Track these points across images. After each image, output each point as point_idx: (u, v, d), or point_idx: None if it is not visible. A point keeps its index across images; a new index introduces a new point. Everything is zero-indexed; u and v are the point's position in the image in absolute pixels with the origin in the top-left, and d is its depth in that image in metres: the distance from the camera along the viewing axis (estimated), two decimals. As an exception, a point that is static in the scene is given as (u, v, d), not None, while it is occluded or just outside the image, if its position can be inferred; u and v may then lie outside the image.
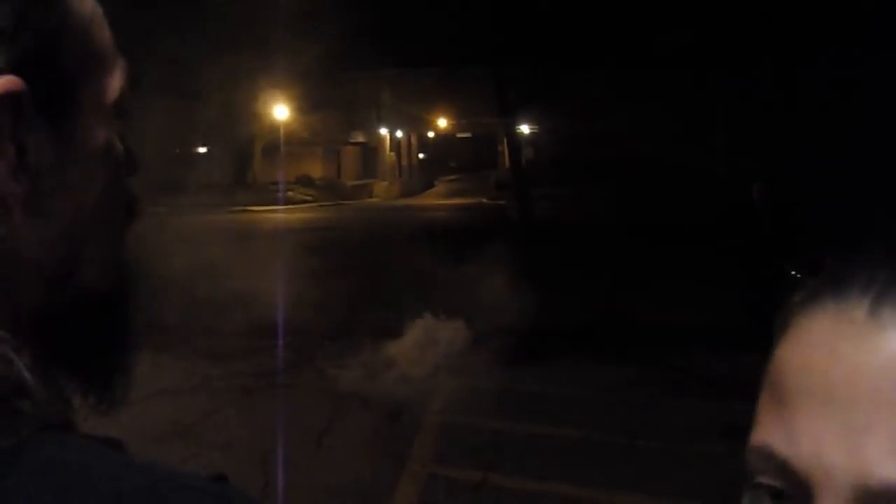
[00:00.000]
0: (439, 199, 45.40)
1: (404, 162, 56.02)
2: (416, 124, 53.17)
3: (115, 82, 0.69)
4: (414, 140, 58.87)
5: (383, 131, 49.94)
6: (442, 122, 53.34)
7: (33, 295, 0.63)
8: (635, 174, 25.16)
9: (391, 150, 52.17)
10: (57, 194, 0.63)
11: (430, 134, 58.36)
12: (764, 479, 0.52)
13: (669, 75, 25.45)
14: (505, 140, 29.78)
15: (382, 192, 47.58)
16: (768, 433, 0.53)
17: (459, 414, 7.16)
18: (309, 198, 42.32)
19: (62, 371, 0.66)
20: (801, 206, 10.12)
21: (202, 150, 44.91)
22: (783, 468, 0.51)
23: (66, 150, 0.63)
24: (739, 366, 8.15)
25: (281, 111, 39.78)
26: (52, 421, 0.59)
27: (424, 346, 8.92)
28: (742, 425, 0.59)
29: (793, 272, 8.33)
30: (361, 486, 5.83)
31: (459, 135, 59.12)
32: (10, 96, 0.60)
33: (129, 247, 0.75)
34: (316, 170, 47.36)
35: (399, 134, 52.98)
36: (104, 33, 0.69)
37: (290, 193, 40.96)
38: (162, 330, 10.44)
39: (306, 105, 40.29)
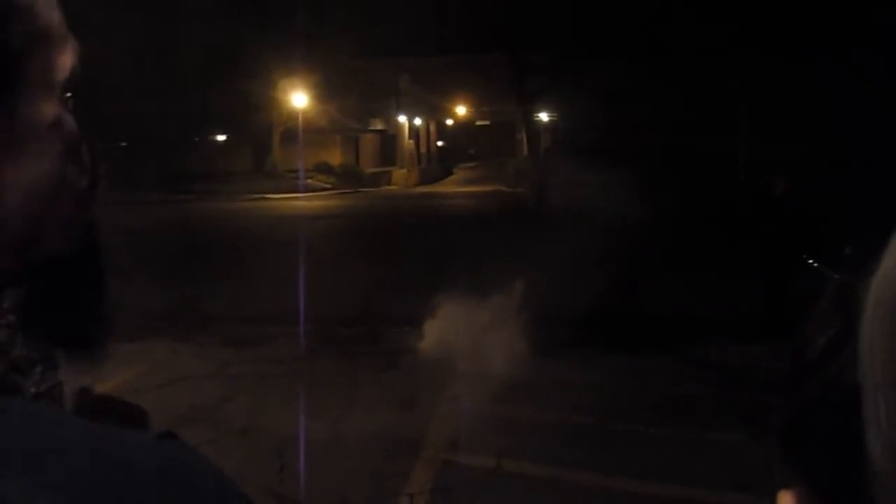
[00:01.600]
0: (458, 186, 45.35)
1: (423, 149, 55.93)
2: (435, 112, 53.09)
3: (65, 61, 0.70)
4: (433, 128, 58.78)
5: (402, 119, 49.86)
6: (461, 110, 53.24)
7: None
8: (654, 163, 25.02)
9: (410, 137, 52.10)
10: (5, 168, 0.65)
11: (449, 122, 58.28)
12: None
13: (690, 64, 25.29)
14: (523, 128, 29.74)
15: (401, 179, 47.54)
16: None
17: (474, 401, 7.18)
18: (328, 185, 42.33)
19: (37, 333, 0.67)
20: (822, 197, 10.07)
21: (221, 137, 44.99)
22: None
23: (10, 124, 0.65)
24: (754, 355, 8.16)
25: (300, 99, 39.76)
26: None
27: (440, 333, 8.94)
28: (757, 414, 0.60)
29: (811, 262, 8.32)
30: (377, 471, 5.87)
31: (478, 122, 59.01)
32: None
33: (95, 213, 0.78)
34: (335, 157, 47.34)
35: (418, 121, 52.89)
36: (52, 13, 0.69)
37: (308, 181, 40.96)
38: (180, 317, 10.53)
39: (325, 93, 40.26)
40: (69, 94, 0.72)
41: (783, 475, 0.58)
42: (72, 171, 0.72)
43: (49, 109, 0.69)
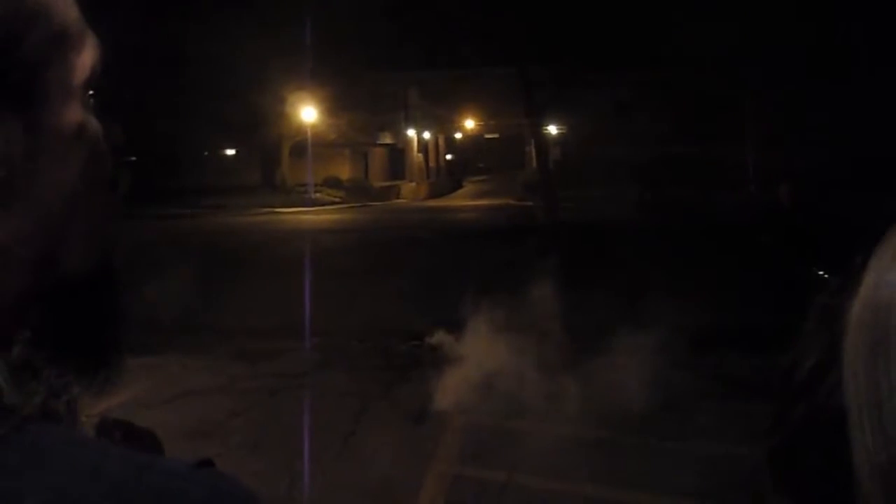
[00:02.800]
0: (467, 199, 45.37)
1: (432, 163, 56.00)
2: (444, 125, 53.14)
3: (85, 61, 0.67)
4: (441, 141, 58.84)
5: (411, 133, 49.94)
6: (469, 124, 53.28)
7: (14, 284, 0.62)
8: (663, 174, 25.05)
9: (419, 151, 52.18)
10: (29, 182, 0.61)
11: (458, 135, 58.33)
12: None
13: (698, 75, 25.32)
14: (532, 141, 29.75)
15: (410, 193, 47.59)
16: None
17: (485, 414, 7.16)
18: (337, 199, 42.39)
19: (52, 356, 0.64)
20: (829, 206, 10.04)
21: (231, 152, 45.12)
22: None
23: (35, 136, 0.62)
24: (763, 367, 8.12)
25: (309, 113, 39.87)
26: (29, 413, 0.59)
27: (450, 346, 8.92)
28: (766, 427, 0.59)
29: (820, 273, 8.29)
30: (387, 486, 5.85)
31: (487, 136, 59.06)
32: None
33: (116, 226, 0.75)
34: (344, 171, 47.43)
35: (427, 135, 52.97)
36: (69, 11, 0.66)
37: (317, 195, 41.04)
38: (190, 331, 10.53)
39: (334, 107, 40.37)
40: (91, 93, 0.69)
41: (773, 499, 0.58)
42: (96, 179, 0.69)
43: (72, 116, 0.66)
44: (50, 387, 0.63)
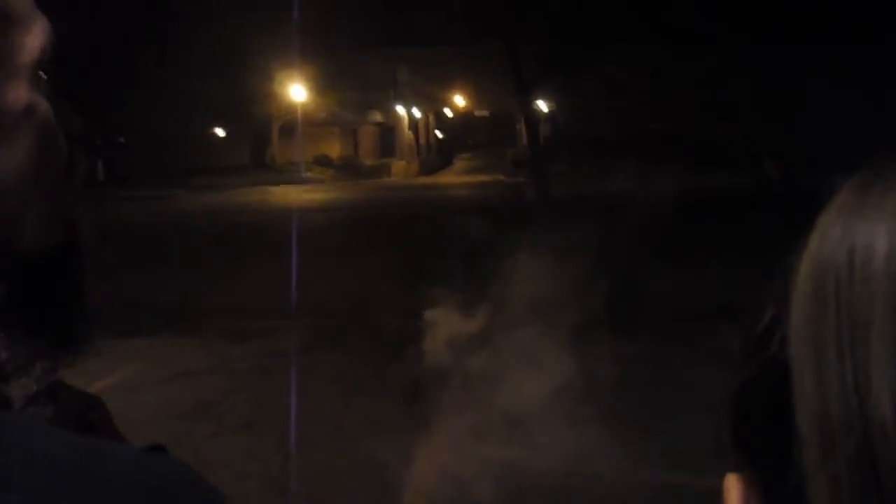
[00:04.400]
0: (458, 176, 45.29)
1: (422, 140, 55.86)
2: (434, 103, 52.95)
3: (33, 42, 0.66)
4: (431, 119, 58.66)
5: (401, 110, 49.80)
6: (459, 101, 53.11)
7: None
8: (654, 150, 25.02)
9: (409, 128, 52.04)
10: None
11: (448, 112, 58.13)
12: None
13: (689, 51, 25.23)
14: (522, 118, 29.70)
15: (401, 170, 47.49)
16: None
17: (479, 393, 7.16)
18: (327, 177, 42.30)
19: (18, 334, 0.64)
20: (818, 184, 10.04)
21: (220, 132, 44.97)
22: None
23: None
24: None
25: (298, 92, 39.73)
26: None
27: (443, 325, 8.92)
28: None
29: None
30: (380, 464, 5.87)
31: (477, 113, 58.86)
32: None
33: (76, 204, 0.74)
34: (334, 149, 47.32)
35: (416, 113, 52.82)
36: None
37: (308, 173, 40.97)
38: (181, 311, 10.52)
39: (323, 85, 40.22)
40: (43, 76, 0.68)
41: (733, 458, 0.59)
42: (48, 159, 0.68)
43: (18, 95, 0.65)
44: (1, 371, 0.63)
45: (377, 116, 50.16)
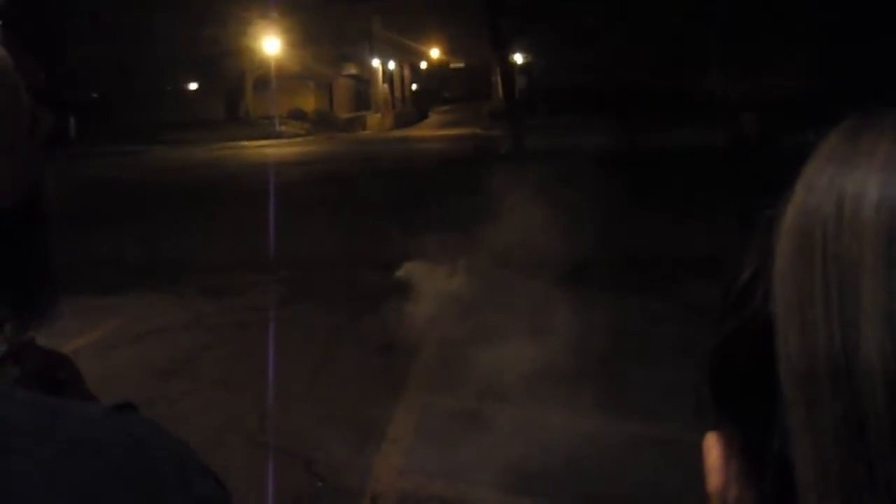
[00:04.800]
0: (433, 130, 45.17)
1: (397, 93, 55.68)
2: (409, 55, 52.74)
3: None
4: (406, 71, 58.43)
5: (375, 63, 49.52)
6: (434, 53, 52.90)
7: None
8: (630, 103, 25.01)
9: (384, 81, 51.80)
10: None
11: (423, 65, 57.93)
12: None
13: (666, 3, 25.15)
14: (498, 70, 29.58)
15: (376, 124, 47.34)
16: None
17: (455, 344, 7.19)
18: (302, 131, 42.12)
19: None
20: (794, 137, 10.07)
21: (193, 86, 44.58)
22: None
23: None
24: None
25: (272, 45, 39.41)
26: None
27: (419, 277, 8.93)
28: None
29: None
30: (357, 417, 5.88)
31: (452, 65, 58.70)
32: None
33: (39, 162, 0.72)
34: (308, 103, 47.07)
35: (391, 65, 52.56)
36: None
37: (282, 127, 40.77)
38: (155, 268, 10.47)
39: (297, 38, 39.91)
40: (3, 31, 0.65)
41: (713, 416, 0.57)
42: (5, 112, 0.66)
43: None
44: None
45: (352, 69, 49.86)
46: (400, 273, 9.17)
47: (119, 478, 0.54)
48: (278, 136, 37.61)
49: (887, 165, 0.50)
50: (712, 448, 0.57)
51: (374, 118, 48.23)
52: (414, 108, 57.07)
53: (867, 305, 0.47)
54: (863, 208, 0.49)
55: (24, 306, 0.69)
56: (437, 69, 60.13)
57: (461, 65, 57.81)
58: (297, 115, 44.51)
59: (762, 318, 0.51)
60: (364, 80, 50.88)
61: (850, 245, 0.49)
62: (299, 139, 39.19)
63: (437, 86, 67.95)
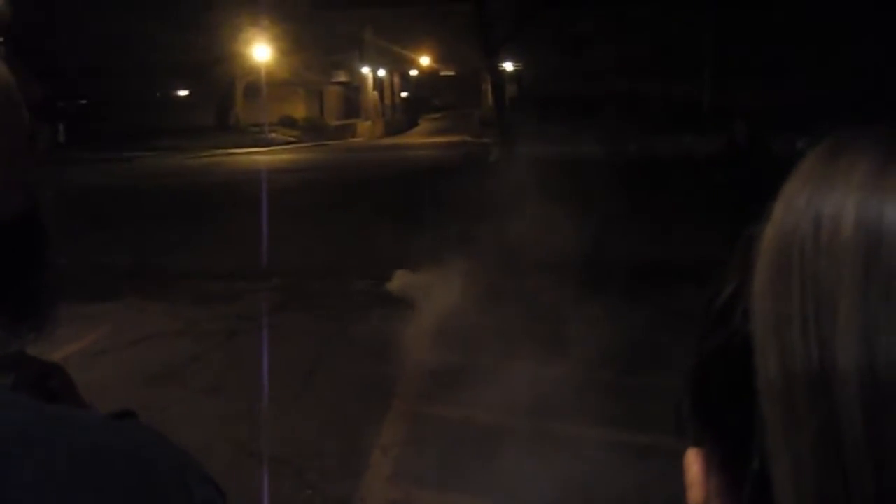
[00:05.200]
0: (423, 137, 45.16)
1: (387, 101, 55.61)
2: (399, 63, 52.66)
3: None
4: (397, 79, 58.37)
5: (366, 71, 49.48)
6: (425, 61, 52.84)
7: None
8: (620, 111, 25.04)
9: (374, 89, 51.76)
10: None
11: (413, 72, 57.87)
12: None
13: (656, 10, 25.21)
14: (488, 78, 29.57)
15: (366, 131, 47.31)
16: None
17: (445, 352, 7.19)
18: (292, 139, 42.08)
19: None
20: (784, 145, 10.11)
21: (183, 93, 44.50)
22: None
23: None
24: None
25: (262, 52, 39.36)
26: None
27: (410, 285, 8.94)
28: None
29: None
30: (348, 425, 5.88)
31: (443, 73, 58.61)
32: None
33: (36, 175, 0.73)
34: (299, 111, 47.00)
35: (382, 73, 52.52)
36: None
37: (273, 135, 40.69)
38: (147, 275, 10.45)
39: (287, 46, 39.86)
40: (0, 41, 0.66)
41: (693, 432, 0.58)
42: (8, 128, 0.67)
43: None
44: None
45: (342, 77, 49.82)
46: (391, 281, 9.18)
47: (120, 485, 0.54)
48: (269, 143, 37.55)
49: (865, 186, 0.50)
50: (693, 463, 0.58)
51: (364, 126, 48.19)
52: (404, 116, 57.04)
53: (844, 325, 0.48)
54: (840, 229, 0.49)
55: (22, 317, 0.69)
56: (428, 77, 60.07)
57: (451, 72, 57.73)
58: (288, 123, 44.47)
59: (741, 337, 0.52)
60: (354, 87, 50.85)
61: (828, 265, 0.49)
62: (290, 146, 39.13)
63: (427, 93, 67.93)
